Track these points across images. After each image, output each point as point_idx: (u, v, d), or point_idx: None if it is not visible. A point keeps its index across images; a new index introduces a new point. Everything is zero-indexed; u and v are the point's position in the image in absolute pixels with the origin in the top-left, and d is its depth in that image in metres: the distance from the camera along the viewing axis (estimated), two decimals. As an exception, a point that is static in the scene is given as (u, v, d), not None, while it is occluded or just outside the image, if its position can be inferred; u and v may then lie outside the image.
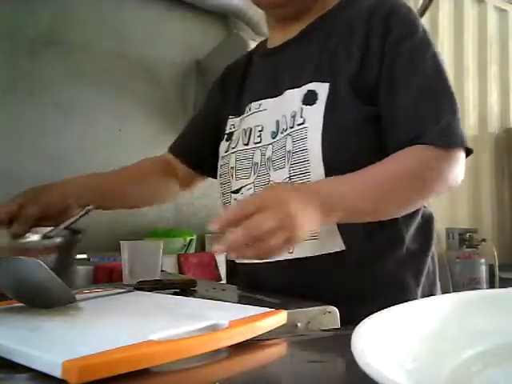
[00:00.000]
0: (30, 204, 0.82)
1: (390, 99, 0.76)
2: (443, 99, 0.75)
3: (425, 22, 3.47)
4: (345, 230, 0.76)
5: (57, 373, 0.35)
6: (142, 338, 0.41)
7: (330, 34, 0.83)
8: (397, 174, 0.71)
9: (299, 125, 0.79)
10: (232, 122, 0.95)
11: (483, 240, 2.94)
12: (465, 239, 3.04)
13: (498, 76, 3.64)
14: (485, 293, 0.42)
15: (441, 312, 0.37)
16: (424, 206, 0.86)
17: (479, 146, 3.41)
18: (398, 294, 0.80)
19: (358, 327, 0.31)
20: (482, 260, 2.83)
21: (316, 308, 0.64)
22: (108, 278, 0.98)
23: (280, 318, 0.52)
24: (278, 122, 0.84)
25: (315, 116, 0.77)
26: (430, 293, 0.84)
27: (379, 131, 0.76)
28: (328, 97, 0.77)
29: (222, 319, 0.47)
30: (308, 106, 0.79)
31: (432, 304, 0.38)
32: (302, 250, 0.77)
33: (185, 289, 0.78)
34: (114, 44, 2.17)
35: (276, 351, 0.48)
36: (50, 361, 0.36)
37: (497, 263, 2.86)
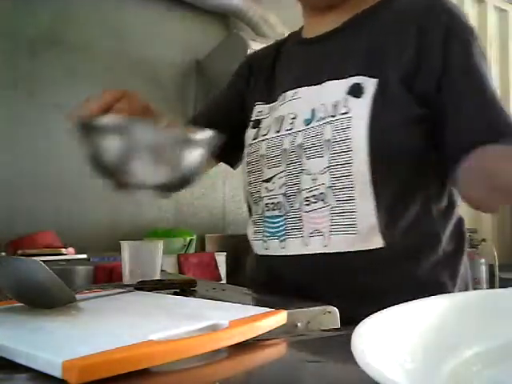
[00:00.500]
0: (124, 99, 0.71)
1: (455, 105, 0.75)
2: (499, 105, 0.75)
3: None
4: (384, 226, 0.73)
5: (57, 373, 0.35)
6: (142, 338, 0.41)
7: (378, 28, 0.81)
8: None
9: (342, 114, 0.76)
10: (260, 109, 0.92)
11: (483, 240, 2.94)
12: (465, 239, 3.04)
13: (498, 76, 3.64)
14: (484, 293, 0.42)
15: (440, 312, 0.37)
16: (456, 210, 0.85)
17: (479, 145, 3.41)
18: (436, 294, 0.77)
19: (358, 327, 0.31)
20: (482, 260, 2.83)
21: (316, 308, 0.63)
22: (108, 277, 0.98)
23: (280, 318, 0.52)
24: (313, 110, 0.81)
25: (362, 108, 0.75)
26: None
27: (426, 132, 0.75)
28: (376, 92, 0.75)
29: (222, 319, 0.47)
30: (354, 98, 0.77)
31: (431, 304, 0.38)
32: (338, 244, 0.74)
33: (185, 289, 0.78)
34: (114, 44, 2.17)
35: (276, 351, 0.48)
36: (50, 361, 0.36)
37: (497, 263, 2.86)
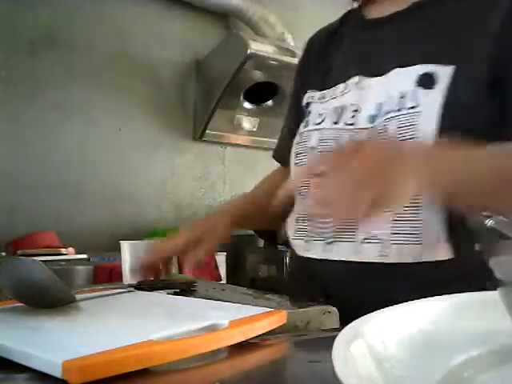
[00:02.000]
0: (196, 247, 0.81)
1: None
2: None
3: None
4: (453, 235, 0.66)
5: (57, 373, 0.35)
6: (142, 338, 0.40)
7: (448, 13, 0.74)
8: None
9: (410, 108, 0.69)
10: (311, 94, 0.85)
11: (483, 240, 2.93)
12: (465, 239, 3.03)
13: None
14: (477, 296, 0.42)
15: (431, 315, 0.36)
16: None
17: (479, 145, 3.41)
18: None
19: (341, 333, 0.30)
20: (482, 260, 2.83)
21: (316, 308, 0.63)
22: (108, 277, 0.98)
23: (280, 317, 0.52)
24: (380, 105, 0.73)
25: (433, 101, 0.68)
26: None
27: (493, 133, 0.67)
28: (452, 82, 0.68)
29: (222, 319, 0.47)
30: (424, 89, 0.70)
31: (422, 307, 0.37)
32: (398, 256, 0.67)
33: (185, 289, 0.77)
34: (114, 44, 2.17)
35: (276, 351, 0.48)
36: (49, 361, 0.36)
37: (497, 263, 2.86)
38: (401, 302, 0.56)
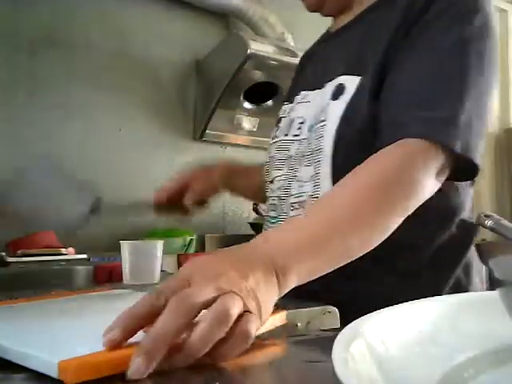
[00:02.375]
0: (187, 191, 0.97)
1: (394, 76, 0.68)
2: (450, 84, 0.64)
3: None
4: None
5: (53, 373, 0.35)
6: (139, 338, 0.40)
7: (371, 26, 0.77)
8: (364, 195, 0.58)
9: (321, 121, 0.74)
10: (284, 108, 0.92)
11: (483, 240, 2.94)
12: (465, 239, 3.04)
13: (498, 76, 3.64)
14: (476, 296, 0.41)
15: (430, 315, 0.36)
16: (461, 219, 0.78)
17: (479, 145, 3.41)
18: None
19: (341, 333, 0.30)
20: (482, 260, 2.82)
21: (316, 308, 0.63)
22: (108, 277, 0.98)
23: (280, 317, 0.52)
24: (315, 117, 0.79)
25: (335, 113, 0.72)
26: None
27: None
28: (356, 91, 0.71)
29: None
30: (333, 101, 0.74)
31: (421, 307, 0.37)
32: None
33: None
34: (114, 44, 2.17)
35: (276, 351, 0.48)
36: (46, 361, 0.36)
37: (497, 263, 2.86)
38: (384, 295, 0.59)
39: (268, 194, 0.88)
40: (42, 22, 2.00)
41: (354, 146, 0.69)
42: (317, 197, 0.74)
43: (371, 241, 0.57)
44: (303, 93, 0.87)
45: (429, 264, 0.76)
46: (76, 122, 2.05)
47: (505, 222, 0.59)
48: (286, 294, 0.72)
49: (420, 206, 0.62)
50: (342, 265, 0.55)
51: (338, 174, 0.67)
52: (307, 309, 0.63)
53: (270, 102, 2.39)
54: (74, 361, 0.35)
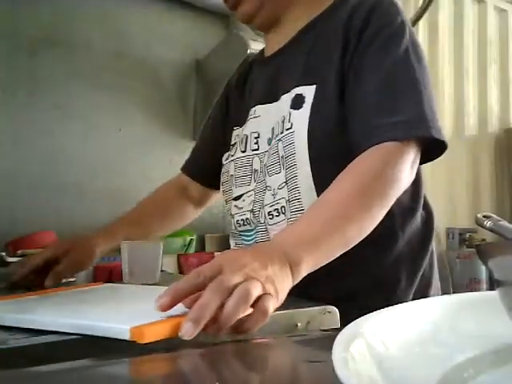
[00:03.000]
0: (63, 258, 0.86)
1: (354, 88, 0.76)
2: (406, 89, 0.73)
3: (425, 22, 3.47)
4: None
5: (126, 336, 0.43)
6: (173, 313, 0.48)
7: (317, 37, 0.84)
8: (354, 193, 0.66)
9: (287, 129, 0.79)
10: (237, 133, 0.96)
11: (483, 240, 2.94)
12: (465, 239, 3.04)
13: (498, 76, 3.64)
14: (477, 296, 0.42)
15: (430, 315, 0.36)
16: (424, 208, 0.86)
17: (479, 145, 3.41)
18: (390, 293, 0.80)
19: (340, 333, 0.30)
20: (482, 260, 2.82)
21: (316, 308, 0.63)
22: (108, 277, 0.98)
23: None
24: (273, 129, 0.85)
25: (301, 120, 0.77)
26: (422, 295, 0.83)
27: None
28: (314, 99, 0.78)
29: None
30: (295, 110, 0.79)
31: (421, 307, 0.37)
32: None
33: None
34: (113, 44, 2.17)
35: (276, 351, 0.48)
36: (120, 328, 0.44)
37: (497, 263, 2.86)
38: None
39: (234, 211, 0.90)
40: (42, 22, 2.00)
41: (326, 143, 0.77)
42: (294, 200, 0.78)
43: (365, 230, 0.67)
44: (253, 109, 0.90)
45: (403, 255, 0.82)
46: (76, 122, 2.05)
47: (504, 222, 0.59)
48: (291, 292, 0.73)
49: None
50: (341, 253, 0.65)
51: (318, 170, 0.76)
52: (307, 309, 0.63)
53: (269, 102, 2.39)
54: (138, 327, 0.44)
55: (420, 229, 0.84)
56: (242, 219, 0.89)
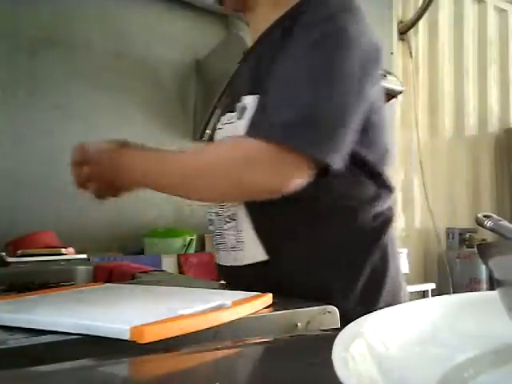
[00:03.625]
0: None
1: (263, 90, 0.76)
2: (299, 94, 0.70)
3: (425, 22, 3.47)
4: (266, 240, 0.78)
5: (126, 336, 0.43)
6: (173, 313, 0.49)
7: (271, 45, 0.82)
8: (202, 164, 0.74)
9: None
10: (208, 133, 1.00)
11: (483, 240, 2.94)
12: (465, 239, 3.04)
13: (498, 76, 3.64)
14: (477, 296, 0.42)
15: (430, 315, 0.36)
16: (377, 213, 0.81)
17: (479, 146, 3.41)
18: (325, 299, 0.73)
19: (341, 332, 0.30)
20: (482, 260, 2.82)
21: (316, 308, 0.63)
22: (108, 277, 0.98)
23: (268, 299, 0.62)
24: (230, 137, 0.85)
25: (241, 130, 0.77)
26: (367, 295, 0.80)
27: None
28: (253, 109, 0.77)
29: (225, 301, 0.57)
30: (239, 121, 0.80)
31: (422, 307, 0.37)
32: (232, 261, 0.83)
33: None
34: (113, 44, 2.17)
35: (276, 351, 0.48)
36: (120, 328, 0.44)
37: (497, 263, 2.86)
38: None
39: (207, 209, 0.93)
40: (42, 22, 2.00)
41: None
42: (239, 208, 0.80)
43: (192, 190, 0.77)
44: (222, 117, 0.90)
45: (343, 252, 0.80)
46: (76, 122, 2.05)
47: (504, 222, 0.59)
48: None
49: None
50: (171, 190, 0.81)
51: None
52: (307, 309, 0.63)
53: (269, 102, 2.39)
54: (140, 327, 0.44)
55: (366, 234, 0.81)
56: (209, 219, 0.92)
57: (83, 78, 2.08)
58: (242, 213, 0.80)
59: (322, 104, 0.69)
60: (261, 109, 0.75)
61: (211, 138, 0.97)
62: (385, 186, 0.82)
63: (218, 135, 0.89)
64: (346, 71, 0.71)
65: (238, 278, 0.83)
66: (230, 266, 0.84)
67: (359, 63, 0.72)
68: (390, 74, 2.60)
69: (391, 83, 2.55)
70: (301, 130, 0.68)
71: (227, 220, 0.83)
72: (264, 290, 0.64)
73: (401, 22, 3.18)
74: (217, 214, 0.87)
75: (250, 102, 0.78)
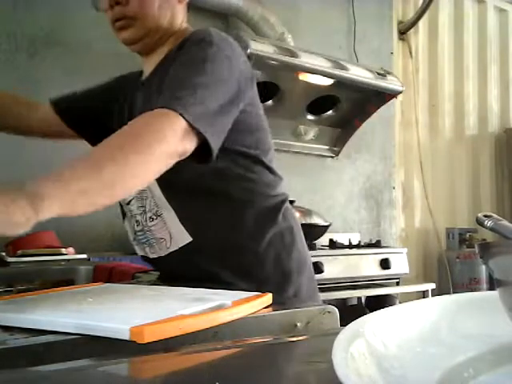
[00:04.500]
0: None
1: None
2: (193, 79, 0.81)
3: (425, 22, 3.47)
4: (189, 224, 0.90)
5: (126, 336, 0.44)
6: (173, 313, 0.49)
7: (159, 75, 0.94)
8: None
9: None
10: None
11: (483, 240, 2.94)
12: (465, 239, 3.04)
13: (497, 76, 3.64)
14: (477, 296, 0.41)
15: (430, 315, 0.36)
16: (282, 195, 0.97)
17: (479, 146, 3.41)
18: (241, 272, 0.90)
19: (341, 333, 0.30)
20: (482, 260, 2.82)
21: (316, 308, 0.63)
22: (108, 277, 0.98)
23: (267, 299, 0.62)
24: None
25: None
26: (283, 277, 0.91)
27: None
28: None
29: (225, 300, 0.57)
30: None
31: (422, 307, 0.37)
32: (164, 250, 0.93)
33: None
34: (113, 44, 2.16)
35: (276, 351, 0.48)
36: (120, 328, 0.45)
37: (497, 263, 2.86)
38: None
39: (128, 214, 1.01)
40: (42, 22, 2.00)
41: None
42: (158, 207, 0.92)
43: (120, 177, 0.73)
44: None
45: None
46: (76, 121, 2.04)
47: (504, 222, 0.59)
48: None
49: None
50: (106, 197, 0.70)
51: (161, 181, 0.84)
52: (307, 309, 0.63)
53: (270, 102, 2.39)
54: (140, 327, 0.44)
55: (266, 216, 0.94)
56: (136, 220, 0.99)
57: (83, 78, 2.07)
58: (166, 208, 0.91)
59: (200, 88, 0.81)
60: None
61: None
62: (276, 174, 0.98)
63: None
64: (223, 72, 0.85)
65: (165, 265, 0.96)
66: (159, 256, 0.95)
67: (237, 75, 0.86)
68: (390, 73, 2.59)
69: (391, 83, 2.54)
70: (183, 99, 0.78)
71: (152, 217, 0.93)
72: (188, 273, 0.79)
73: (401, 21, 3.18)
74: (142, 214, 0.96)
75: None
